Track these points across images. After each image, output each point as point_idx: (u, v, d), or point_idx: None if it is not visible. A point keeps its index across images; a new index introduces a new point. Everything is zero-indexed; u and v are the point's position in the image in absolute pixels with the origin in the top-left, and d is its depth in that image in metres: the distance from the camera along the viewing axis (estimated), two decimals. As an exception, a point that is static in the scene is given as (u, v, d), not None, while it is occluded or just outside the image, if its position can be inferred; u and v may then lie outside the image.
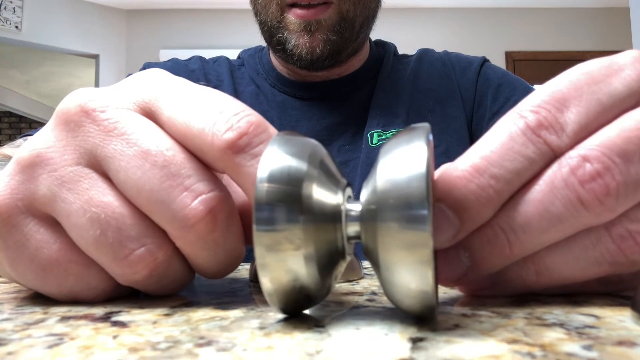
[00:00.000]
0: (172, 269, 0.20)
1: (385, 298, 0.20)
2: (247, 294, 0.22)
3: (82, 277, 0.20)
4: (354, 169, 0.56)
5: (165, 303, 0.20)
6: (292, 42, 0.54)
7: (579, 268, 0.18)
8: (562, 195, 0.17)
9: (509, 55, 4.01)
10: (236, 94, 0.61)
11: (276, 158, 0.16)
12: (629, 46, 2.42)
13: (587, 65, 0.19)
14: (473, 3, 3.97)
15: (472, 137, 0.59)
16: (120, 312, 0.18)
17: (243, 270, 0.31)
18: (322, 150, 0.17)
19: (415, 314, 0.16)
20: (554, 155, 0.17)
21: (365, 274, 0.27)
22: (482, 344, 0.13)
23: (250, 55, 0.66)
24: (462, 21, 4.01)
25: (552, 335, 0.14)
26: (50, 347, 0.14)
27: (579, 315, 0.17)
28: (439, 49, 0.69)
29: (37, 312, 0.19)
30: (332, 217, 0.16)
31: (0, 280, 0.28)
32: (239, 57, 0.68)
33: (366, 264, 0.32)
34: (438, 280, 0.18)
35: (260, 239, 0.15)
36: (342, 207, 0.16)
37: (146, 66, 0.62)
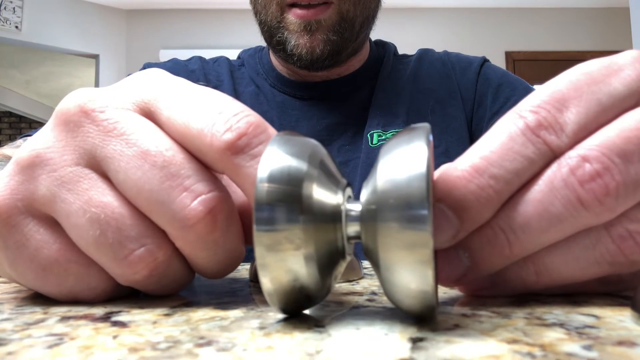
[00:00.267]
0: (172, 269, 0.20)
1: (385, 298, 0.20)
2: (247, 294, 0.22)
3: (82, 277, 0.20)
4: (354, 169, 0.56)
5: (165, 303, 0.20)
6: (292, 42, 0.54)
7: (579, 268, 0.18)
8: (562, 195, 0.17)
9: (509, 55, 4.01)
10: (236, 94, 0.61)
11: (276, 158, 0.16)
12: (629, 46, 2.42)
13: (586, 66, 0.19)
14: (473, 3, 3.97)
15: (472, 137, 0.59)
16: (120, 312, 0.18)
17: (243, 270, 0.31)
18: (322, 150, 0.17)
19: (416, 314, 0.16)
20: (554, 155, 0.17)
21: (365, 274, 0.27)
22: (482, 344, 0.13)
23: (250, 56, 0.66)
24: (462, 21, 4.01)
25: (552, 335, 0.14)
26: (50, 347, 0.14)
27: (579, 315, 0.17)
28: (439, 49, 0.69)
29: (37, 312, 0.19)
30: (332, 217, 0.16)
31: (0, 280, 0.28)
32: (239, 57, 0.68)
33: (366, 264, 0.32)
34: (438, 280, 0.18)
35: (261, 239, 0.15)
36: (342, 207, 0.16)
37: (146, 66, 0.62)
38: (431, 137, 0.16)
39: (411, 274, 0.15)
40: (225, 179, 0.21)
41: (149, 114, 0.20)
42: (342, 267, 0.17)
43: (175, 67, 0.64)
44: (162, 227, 0.19)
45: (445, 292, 0.22)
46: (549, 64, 3.79)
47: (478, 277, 0.19)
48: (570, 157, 0.17)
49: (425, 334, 0.15)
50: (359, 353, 0.13)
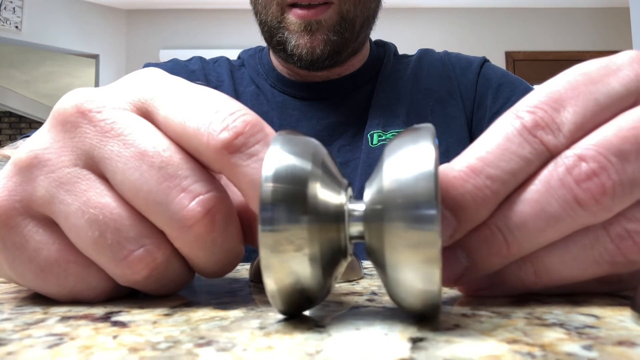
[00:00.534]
0: (172, 269, 0.20)
1: (385, 298, 0.20)
2: (247, 294, 0.22)
3: (81, 278, 0.20)
4: (354, 169, 0.56)
5: (165, 303, 0.20)
6: (293, 42, 0.54)
7: (578, 268, 0.18)
8: (559, 194, 0.17)
9: (509, 55, 4.01)
10: (236, 94, 0.61)
11: (280, 157, 0.16)
12: (629, 46, 2.42)
13: (585, 66, 0.19)
14: (473, 3, 3.97)
15: (472, 137, 0.59)
16: (120, 312, 0.18)
17: (243, 270, 0.31)
18: (323, 149, 0.17)
19: (420, 313, 0.16)
20: (551, 155, 0.17)
21: (365, 274, 0.27)
22: (482, 344, 0.13)
23: (250, 56, 0.66)
24: (462, 21, 4.01)
25: (552, 335, 0.14)
26: (50, 347, 0.14)
27: (579, 315, 0.17)
28: (439, 49, 0.69)
29: (37, 312, 0.19)
30: (336, 217, 0.16)
31: (0, 281, 0.28)
32: (239, 58, 0.68)
33: (366, 264, 0.32)
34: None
35: (265, 239, 0.15)
36: (345, 207, 0.16)
37: (147, 66, 0.62)
38: (436, 140, 0.16)
39: (418, 274, 0.14)
40: (224, 179, 0.21)
41: (146, 114, 0.20)
42: (343, 267, 0.17)
43: (176, 67, 0.64)
44: (160, 228, 0.19)
45: (445, 292, 0.22)
46: (549, 64, 3.79)
47: (477, 277, 0.19)
48: (567, 157, 0.17)
49: (425, 334, 0.15)
50: (359, 353, 0.13)
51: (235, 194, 0.21)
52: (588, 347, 0.13)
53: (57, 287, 0.20)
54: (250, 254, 0.26)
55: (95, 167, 0.19)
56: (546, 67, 3.56)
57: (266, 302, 0.20)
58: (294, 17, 0.53)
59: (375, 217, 0.15)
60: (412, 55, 0.66)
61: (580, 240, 0.18)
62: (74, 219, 0.19)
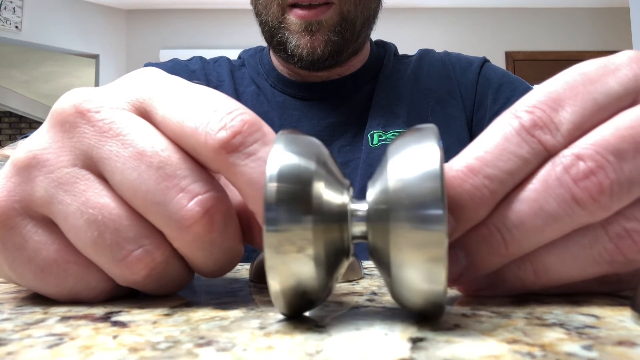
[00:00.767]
0: (171, 269, 0.20)
1: (385, 298, 0.20)
2: (247, 294, 0.22)
3: (81, 278, 0.20)
4: (355, 169, 0.56)
5: (165, 303, 0.20)
6: (293, 43, 0.54)
7: (577, 267, 0.18)
8: (557, 193, 0.17)
9: (509, 55, 4.01)
10: (237, 94, 0.61)
11: (284, 157, 0.15)
12: (629, 46, 2.42)
13: (583, 66, 0.19)
14: (473, 3, 3.97)
15: (472, 137, 0.59)
16: (120, 312, 0.18)
17: (243, 270, 0.31)
18: (325, 149, 0.17)
19: (424, 313, 0.16)
20: (549, 155, 0.17)
21: (365, 274, 0.27)
22: (482, 344, 0.13)
23: (250, 56, 0.66)
24: (462, 21, 4.01)
25: (552, 335, 0.14)
26: (50, 347, 0.14)
27: (579, 315, 0.17)
28: (439, 49, 0.69)
29: (37, 312, 0.19)
30: (339, 217, 0.16)
31: (0, 281, 0.28)
32: (239, 58, 0.68)
33: (366, 264, 0.32)
34: None
35: (270, 240, 0.15)
36: (348, 207, 0.16)
37: (147, 66, 0.62)
38: (441, 141, 0.16)
39: (424, 273, 0.14)
40: (223, 179, 0.21)
41: (145, 114, 0.20)
42: (344, 267, 0.17)
43: (176, 67, 0.64)
44: (159, 228, 0.19)
45: (445, 292, 0.22)
46: (549, 64, 3.79)
47: (476, 276, 0.19)
48: (565, 156, 0.17)
49: (425, 334, 0.15)
50: (359, 353, 0.13)
51: (234, 194, 0.21)
52: (588, 347, 0.13)
53: (57, 287, 0.20)
54: (250, 254, 0.26)
55: (94, 167, 0.19)
56: (546, 67, 3.56)
57: (266, 302, 0.20)
58: (294, 17, 0.53)
59: (380, 217, 0.15)
60: (412, 56, 0.66)
61: (579, 239, 0.18)
62: (73, 219, 0.19)
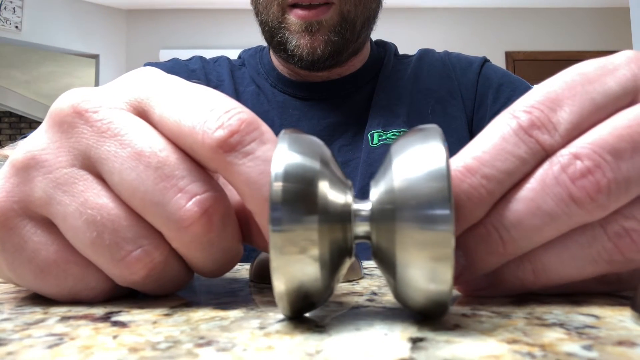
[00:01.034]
0: (170, 269, 0.20)
1: (385, 298, 0.20)
2: (247, 294, 0.22)
3: (81, 278, 0.20)
4: (355, 168, 0.56)
5: (165, 303, 0.20)
6: (294, 43, 0.54)
7: (576, 267, 0.18)
8: (554, 192, 0.17)
9: (509, 55, 4.01)
10: (237, 94, 0.61)
11: (288, 157, 0.15)
12: (629, 46, 2.42)
13: (582, 66, 0.19)
14: (473, 3, 3.97)
15: (473, 137, 0.58)
16: (120, 312, 0.18)
17: (243, 270, 0.31)
18: (327, 149, 0.17)
19: (428, 312, 0.16)
20: (547, 154, 0.17)
21: (365, 274, 0.27)
22: (482, 344, 0.13)
23: (250, 55, 0.66)
24: (462, 21, 4.01)
25: (552, 335, 0.14)
26: (50, 347, 0.14)
27: (579, 315, 0.17)
28: (439, 49, 0.69)
29: (37, 312, 0.19)
30: (343, 217, 0.16)
31: (0, 281, 0.28)
32: (239, 57, 0.68)
33: (366, 264, 0.32)
34: None
35: (275, 240, 0.15)
36: (352, 207, 0.16)
37: (147, 66, 0.62)
38: (445, 142, 0.16)
39: (430, 273, 0.14)
40: (222, 178, 0.21)
41: (143, 113, 0.20)
42: (346, 268, 0.17)
43: (176, 67, 0.64)
44: (157, 228, 0.19)
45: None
46: (549, 64, 3.79)
47: (475, 276, 0.19)
48: (562, 155, 0.17)
49: (425, 334, 0.15)
50: (359, 353, 0.13)
51: (233, 193, 0.21)
52: (588, 347, 0.13)
53: (57, 288, 0.20)
54: (250, 254, 0.26)
55: (93, 167, 0.19)
56: (546, 67, 3.56)
57: (266, 302, 0.20)
58: (294, 17, 0.53)
59: (385, 217, 0.15)
60: (412, 55, 0.66)
61: (578, 238, 0.18)
62: (71, 219, 0.19)
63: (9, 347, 0.14)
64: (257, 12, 0.58)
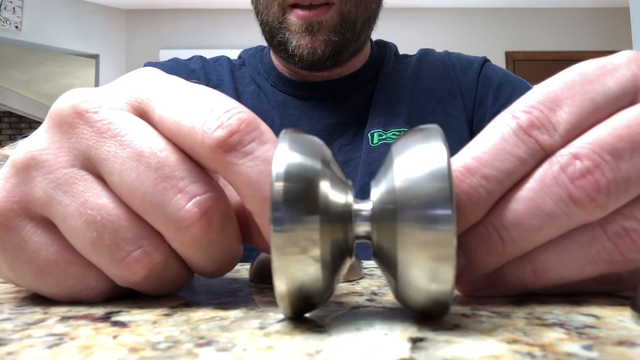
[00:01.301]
0: (170, 269, 0.20)
1: (385, 298, 0.20)
2: (247, 294, 0.22)
3: (81, 278, 0.20)
4: (355, 168, 0.56)
5: (165, 303, 0.20)
6: (294, 43, 0.54)
7: (576, 267, 0.18)
8: (553, 192, 0.17)
9: (509, 55, 4.01)
10: (237, 93, 0.61)
11: (289, 156, 0.15)
12: (629, 46, 2.42)
13: (582, 66, 0.19)
14: (473, 3, 3.97)
15: (473, 136, 0.58)
16: (120, 312, 0.18)
17: (243, 270, 0.31)
18: (327, 149, 0.17)
19: (429, 312, 0.16)
20: (546, 154, 0.17)
21: (365, 274, 0.27)
22: (482, 344, 0.13)
23: (251, 55, 0.66)
24: (462, 21, 4.01)
25: (552, 335, 0.14)
26: (50, 347, 0.14)
27: (579, 315, 0.17)
28: (439, 49, 0.69)
29: (37, 312, 0.19)
30: (344, 217, 0.16)
31: (0, 281, 0.28)
32: (239, 57, 0.68)
33: (366, 264, 0.32)
34: None
35: (276, 240, 0.15)
36: (352, 207, 0.16)
37: (147, 66, 0.62)
38: (446, 142, 0.16)
39: (432, 273, 0.14)
40: (222, 178, 0.21)
41: (143, 114, 0.20)
42: (347, 268, 0.17)
43: (176, 67, 0.64)
44: (157, 229, 0.19)
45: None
46: (549, 64, 3.79)
47: (475, 276, 0.19)
48: (562, 155, 0.17)
49: (425, 334, 0.15)
50: (359, 353, 0.13)
51: (233, 193, 0.21)
52: (588, 347, 0.13)
53: (57, 288, 0.20)
54: (250, 253, 0.26)
55: (93, 167, 0.19)
56: (546, 67, 3.56)
57: (266, 302, 0.20)
58: (295, 17, 0.53)
59: (386, 217, 0.15)
60: (412, 55, 0.66)
61: (578, 238, 0.18)
62: (71, 220, 0.19)
63: (9, 347, 0.14)
64: (258, 12, 0.58)
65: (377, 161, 0.55)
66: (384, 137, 0.56)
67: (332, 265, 0.15)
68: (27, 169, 0.20)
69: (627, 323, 0.15)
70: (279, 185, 0.15)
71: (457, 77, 0.62)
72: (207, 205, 0.18)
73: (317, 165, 0.15)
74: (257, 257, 0.26)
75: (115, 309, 0.19)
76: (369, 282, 0.24)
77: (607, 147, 0.17)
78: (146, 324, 0.16)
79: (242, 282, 0.25)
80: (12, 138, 5.44)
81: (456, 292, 0.21)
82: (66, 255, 0.20)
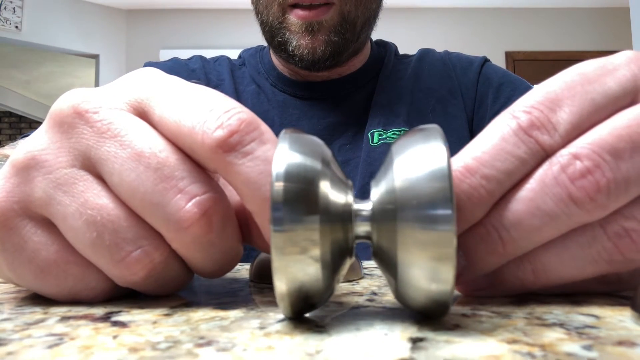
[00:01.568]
0: (170, 269, 0.20)
1: (385, 298, 0.20)
2: (247, 294, 0.22)
3: (81, 278, 0.20)
4: (355, 168, 0.56)
5: (165, 303, 0.20)
6: (294, 43, 0.54)
7: (576, 267, 0.18)
8: (553, 192, 0.17)
9: (509, 55, 4.01)
10: (237, 93, 0.61)
11: (289, 156, 0.15)
12: (629, 46, 2.42)
13: (582, 66, 0.19)
14: (473, 3, 3.97)
15: (473, 136, 0.58)
16: (120, 312, 0.18)
17: (243, 270, 0.31)
18: (327, 149, 0.17)
19: (429, 312, 0.16)
20: (546, 154, 0.17)
21: (365, 274, 0.27)
22: (482, 344, 0.13)
23: (251, 55, 0.66)
24: (462, 21, 4.01)
25: (552, 335, 0.14)
26: (50, 347, 0.14)
27: (579, 315, 0.17)
28: (439, 49, 0.69)
29: (37, 312, 0.19)
30: (344, 217, 0.16)
31: (0, 281, 0.28)
32: (239, 57, 0.68)
33: (366, 264, 0.32)
34: None
35: (277, 240, 0.15)
36: (352, 207, 0.16)
37: (147, 66, 0.62)
38: (446, 142, 0.16)
39: (432, 273, 0.14)
40: (222, 179, 0.21)
41: (143, 114, 0.20)
42: (347, 268, 0.17)
43: (176, 67, 0.64)
44: (157, 229, 0.19)
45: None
46: (549, 64, 3.79)
47: (475, 276, 0.19)
48: (562, 155, 0.17)
49: (425, 334, 0.15)
50: (359, 353, 0.13)
51: (233, 194, 0.21)
52: (588, 347, 0.13)
53: (57, 288, 0.20)
54: (250, 253, 0.26)
55: (92, 168, 0.19)
56: (546, 67, 3.55)
57: (266, 302, 0.20)
58: (295, 17, 0.53)
59: (386, 217, 0.15)
60: (412, 55, 0.66)
61: (578, 238, 0.18)
62: (71, 220, 0.19)
63: (9, 347, 0.14)
64: (258, 12, 0.58)
65: (377, 161, 0.55)
66: (384, 136, 0.56)
67: (332, 265, 0.15)
68: (27, 169, 0.20)
69: (627, 323, 0.15)
70: (279, 185, 0.15)
71: (457, 77, 0.62)
72: (207, 205, 0.18)
73: (317, 165, 0.15)
74: (257, 257, 0.26)
75: (115, 309, 0.19)
76: (369, 282, 0.24)
77: (607, 147, 0.17)
78: (146, 324, 0.16)
79: (242, 282, 0.25)
80: (12, 138, 5.44)
81: (456, 292, 0.21)
82: (66, 255, 0.20)
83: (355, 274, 0.25)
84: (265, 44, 0.63)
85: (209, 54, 0.71)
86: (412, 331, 0.15)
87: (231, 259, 0.21)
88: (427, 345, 0.13)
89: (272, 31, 0.56)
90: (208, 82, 0.61)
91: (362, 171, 0.55)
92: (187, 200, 0.18)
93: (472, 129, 0.59)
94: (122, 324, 0.16)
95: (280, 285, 0.15)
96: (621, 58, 0.19)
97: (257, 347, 0.14)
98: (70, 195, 0.19)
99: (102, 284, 0.20)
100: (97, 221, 0.18)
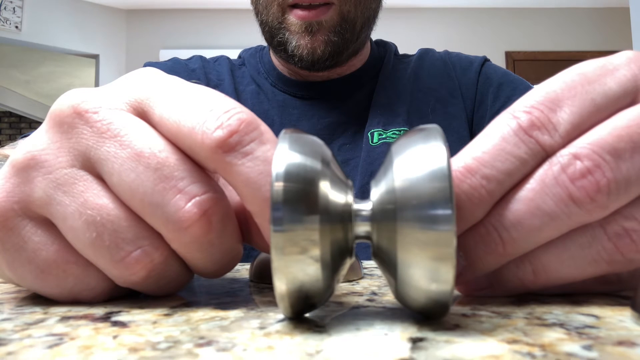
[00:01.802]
0: (170, 269, 0.20)
1: (385, 298, 0.20)
2: (247, 294, 0.22)
3: (81, 278, 0.20)
4: (355, 167, 0.56)
5: (165, 303, 0.20)
6: (294, 43, 0.54)
7: (576, 267, 0.18)
8: (554, 192, 0.17)
9: (509, 55, 4.01)
10: (237, 93, 0.61)
11: (289, 156, 0.15)
12: (629, 46, 2.42)
13: (582, 66, 0.19)
14: (473, 3, 3.97)
15: (473, 136, 0.59)
16: (120, 312, 0.18)
17: (243, 270, 0.31)
18: (327, 149, 0.17)
19: (428, 312, 0.16)
20: (547, 155, 0.18)
21: (365, 274, 0.27)
22: (482, 344, 0.13)
23: (251, 55, 0.66)
24: (462, 21, 4.01)
25: (552, 335, 0.14)
26: (50, 347, 0.14)
27: (579, 315, 0.17)
28: (439, 48, 0.69)
29: (37, 312, 0.19)
30: (343, 217, 0.16)
31: (0, 281, 0.28)
32: (239, 57, 0.68)
33: (366, 264, 0.32)
34: None
35: (276, 240, 0.15)
36: (352, 207, 0.16)
37: (147, 66, 0.62)
38: (446, 142, 0.16)
39: (432, 273, 0.14)
40: (222, 179, 0.21)
41: (143, 114, 0.20)
42: (347, 268, 0.17)
43: (176, 67, 0.64)
44: (157, 229, 0.19)
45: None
46: (549, 64, 3.79)
47: (475, 276, 0.19)
48: (562, 155, 0.17)
49: (425, 334, 0.15)
50: (359, 353, 0.13)
51: (233, 194, 0.21)
52: (588, 347, 0.13)
53: (57, 288, 0.20)
54: (250, 253, 0.26)
55: (92, 168, 0.19)
56: (546, 67, 3.56)
57: (266, 302, 0.20)
58: (294, 18, 0.53)
59: (386, 217, 0.15)
60: (412, 55, 0.66)
61: (578, 239, 0.18)
62: (71, 220, 0.19)
63: (9, 347, 0.14)
64: (257, 13, 0.58)
65: (377, 160, 0.55)
66: (384, 136, 0.56)
67: (332, 265, 0.15)
68: (27, 169, 0.20)
69: (627, 323, 0.15)
70: (279, 185, 0.15)
71: (457, 77, 0.62)
72: (207, 205, 0.18)
73: (317, 165, 0.15)
74: (257, 257, 0.26)
75: (115, 309, 0.19)
76: (369, 282, 0.24)
77: (607, 147, 0.17)
78: (146, 324, 0.16)
79: (242, 282, 0.25)
80: (12, 138, 5.44)
81: (456, 292, 0.21)
82: (66, 255, 0.20)
83: (355, 274, 0.25)
84: (265, 44, 0.63)
85: (209, 54, 0.71)
86: (412, 331, 0.15)
87: (231, 259, 0.21)
88: (427, 345, 0.13)
89: (272, 31, 0.56)
90: (208, 82, 0.61)
91: (362, 171, 0.55)
92: (187, 201, 0.18)
93: (472, 129, 0.59)
94: (122, 324, 0.16)
95: (280, 285, 0.15)
96: (621, 58, 0.19)
97: (257, 347, 0.14)
98: (70, 195, 0.19)
99: (102, 284, 0.20)
100: (97, 221, 0.18)
